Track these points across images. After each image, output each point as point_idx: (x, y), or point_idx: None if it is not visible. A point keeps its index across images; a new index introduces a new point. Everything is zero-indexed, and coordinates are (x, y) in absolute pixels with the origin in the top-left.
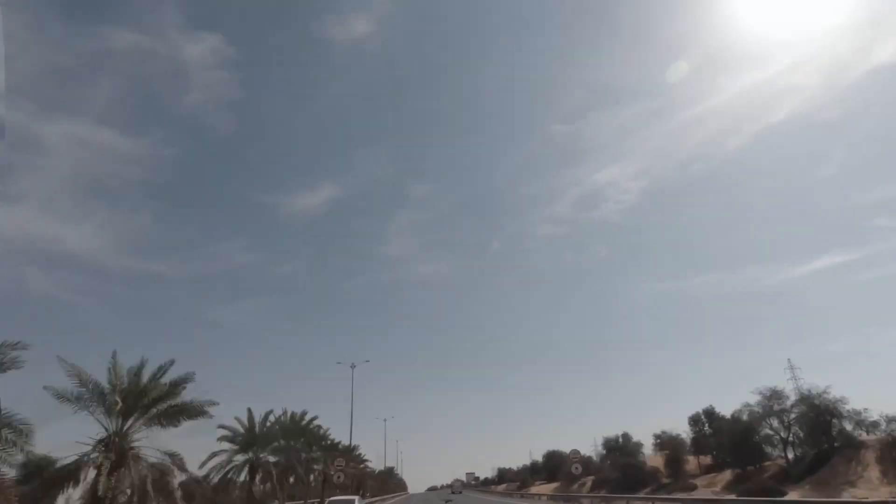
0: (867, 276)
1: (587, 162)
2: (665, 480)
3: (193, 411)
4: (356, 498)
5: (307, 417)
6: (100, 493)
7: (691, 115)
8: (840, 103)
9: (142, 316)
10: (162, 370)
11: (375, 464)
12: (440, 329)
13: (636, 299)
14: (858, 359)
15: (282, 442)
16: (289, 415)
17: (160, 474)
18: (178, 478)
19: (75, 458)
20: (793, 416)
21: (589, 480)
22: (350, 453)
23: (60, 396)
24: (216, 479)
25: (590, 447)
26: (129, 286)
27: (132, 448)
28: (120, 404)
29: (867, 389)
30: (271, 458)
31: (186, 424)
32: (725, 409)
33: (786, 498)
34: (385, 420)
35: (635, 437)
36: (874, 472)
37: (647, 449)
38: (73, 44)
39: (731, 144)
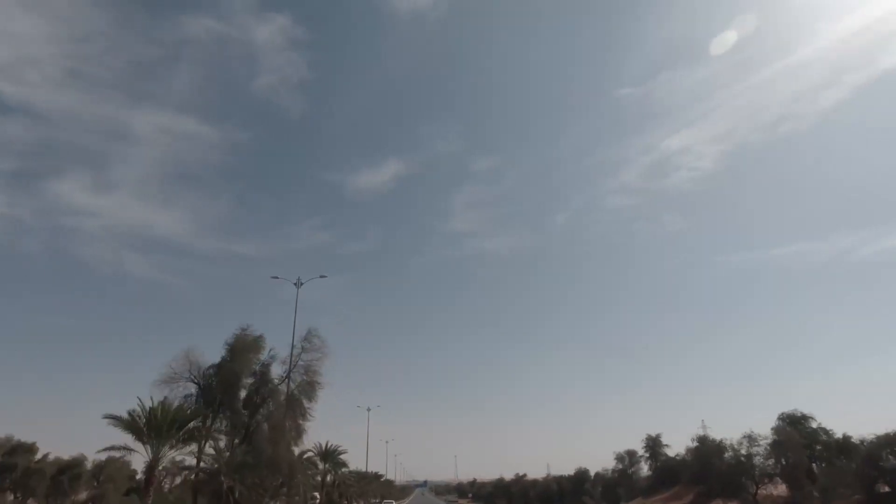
0: None
1: (658, 127)
2: None
3: None
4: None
5: None
6: None
7: (781, 69)
8: None
9: (227, 294)
10: None
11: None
12: (502, 306)
13: (713, 273)
14: None
15: None
16: None
17: None
18: None
19: None
20: None
21: None
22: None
23: None
24: None
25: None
26: (215, 266)
27: None
28: None
29: None
30: None
31: None
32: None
33: None
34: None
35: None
36: None
37: None
38: (156, 35)
39: (828, 99)
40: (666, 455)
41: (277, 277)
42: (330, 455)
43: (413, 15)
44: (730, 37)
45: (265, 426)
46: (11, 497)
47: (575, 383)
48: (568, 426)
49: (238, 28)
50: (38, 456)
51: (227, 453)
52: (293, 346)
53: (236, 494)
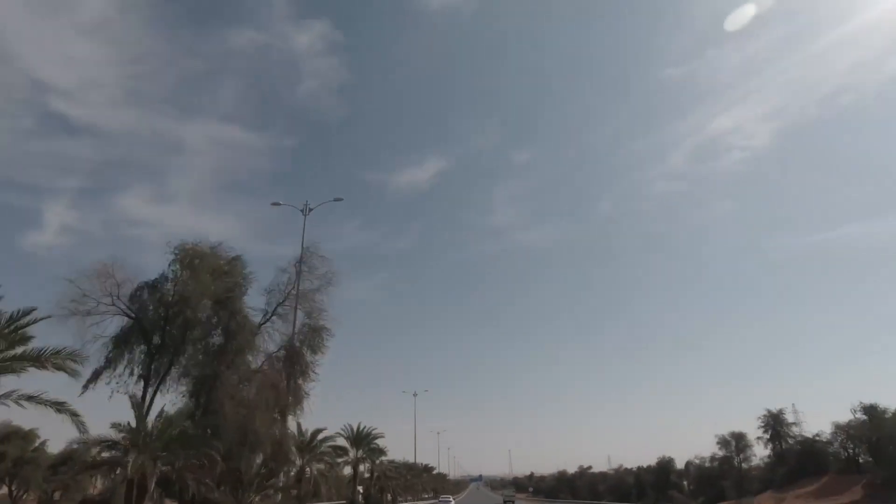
0: None
1: (706, 107)
2: None
3: None
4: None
5: None
6: None
7: (837, 38)
8: None
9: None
10: None
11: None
12: (548, 298)
13: (769, 256)
14: None
15: None
16: None
17: None
18: None
19: None
20: None
21: None
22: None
23: None
24: None
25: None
26: (265, 270)
27: None
28: None
29: None
30: None
31: None
32: None
33: None
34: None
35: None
36: None
37: None
38: (201, 49)
39: (891, 67)
40: (799, 435)
41: (278, 203)
42: (363, 439)
43: (446, 10)
44: (748, 10)
45: (233, 379)
46: (6, 489)
47: (633, 374)
48: (627, 419)
49: (278, 37)
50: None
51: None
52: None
53: (176, 486)
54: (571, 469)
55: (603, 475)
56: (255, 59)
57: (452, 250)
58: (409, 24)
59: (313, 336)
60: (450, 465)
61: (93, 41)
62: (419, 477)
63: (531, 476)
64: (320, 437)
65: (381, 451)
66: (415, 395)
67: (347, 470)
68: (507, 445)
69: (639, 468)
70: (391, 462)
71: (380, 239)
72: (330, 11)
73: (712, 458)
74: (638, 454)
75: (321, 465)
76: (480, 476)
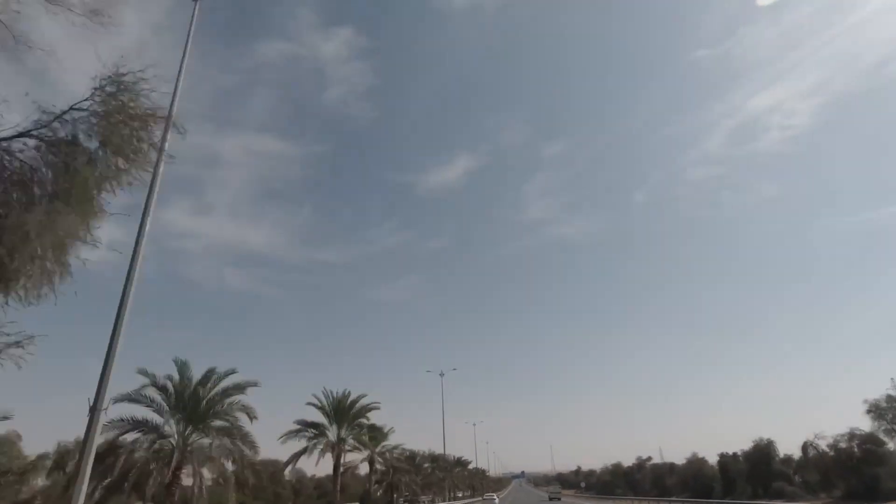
0: None
1: (741, 87)
2: None
3: None
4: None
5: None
6: None
7: (880, 4)
8: None
9: (316, 300)
10: None
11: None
12: (586, 292)
13: (817, 238)
14: None
15: None
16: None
17: None
18: None
19: None
20: None
21: None
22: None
23: None
24: None
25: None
26: (304, 274)
27: None
28: None
29: None
30: None
31: None
32: None
33: None
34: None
35: None
36: None
37: None
38: (232, 63)
39: None
40: None
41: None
42: (345, 411)
43: (469, 8)
44: None
45: None
46: None
47: (677, 364)
48: (674, 411)
49: (306, 46)
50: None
51: None
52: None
53: None
54: (627, 461)
55: (670, 466)
56: (284, 69)
57: (487, 247)
58: (433, 25)
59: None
60: (489, 460)
61: (132, 64)
62: (448, 472)
63: (578, 471)
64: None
65: (378, 430)
66: (441, 374)
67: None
68: (549, 441)
69: (723, 456)
70: (399, 449)
71: (415, 239)
72: (354, 18)
73: (851, 436)
74: (689, 446)
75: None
76: (523, 472)
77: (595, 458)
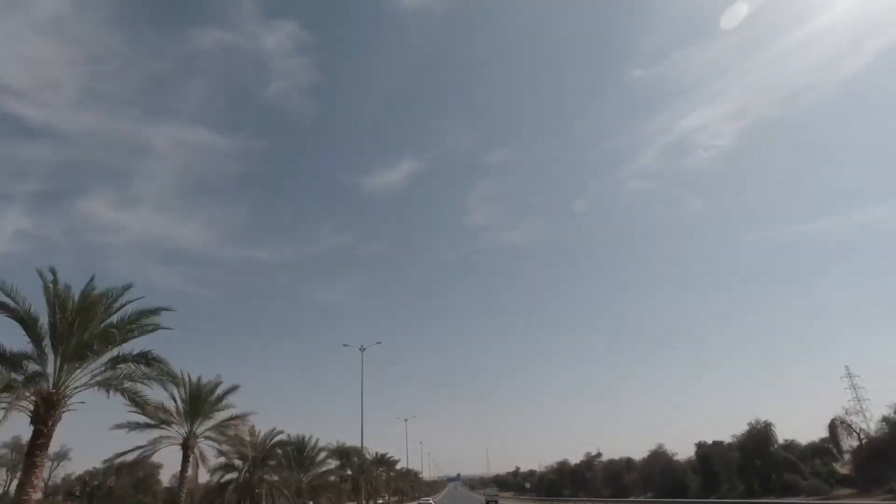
0: None
1: (673, 107)
2: None
3: None
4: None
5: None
6: None
7: (796, 40)
8: None
9: (251, 300)
10: None
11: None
12: (522, 297)
13: (738, 252)
14: None
15: None
16: None
17: None
18: None
19: None
20: None
21: None
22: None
23: None
24: None
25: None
26: (237, 274)
27: None
28: None
29: None
30: None
31: None
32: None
33: None
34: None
35: None
36: None
37: None
38: (167, 49)
39: (848, 67)
40: None
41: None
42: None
43: (418, 10)
44: (741, 9)
45: None
46: None
47: (611, 369)
48: (607, 414)
49: (246, 37)
50: None
51: None
52: None
53: None
54: (572, 460)
55: (626, 461)
56: (222, 59)
57: (429, 251)
58: (380, 24)
59: None
60: (423, 462)
61: (48, 40)
62: (367, 472)
63: (516, 472)
64: None
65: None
66: (362, 349)
67: None
68: (484, 445)
69: (702, 445)
70: (263, 436)
71: (354, 241)
72: (299, 11)
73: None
74: (623, 448)
75: None
76: (458, 475)
77: (532, 460)
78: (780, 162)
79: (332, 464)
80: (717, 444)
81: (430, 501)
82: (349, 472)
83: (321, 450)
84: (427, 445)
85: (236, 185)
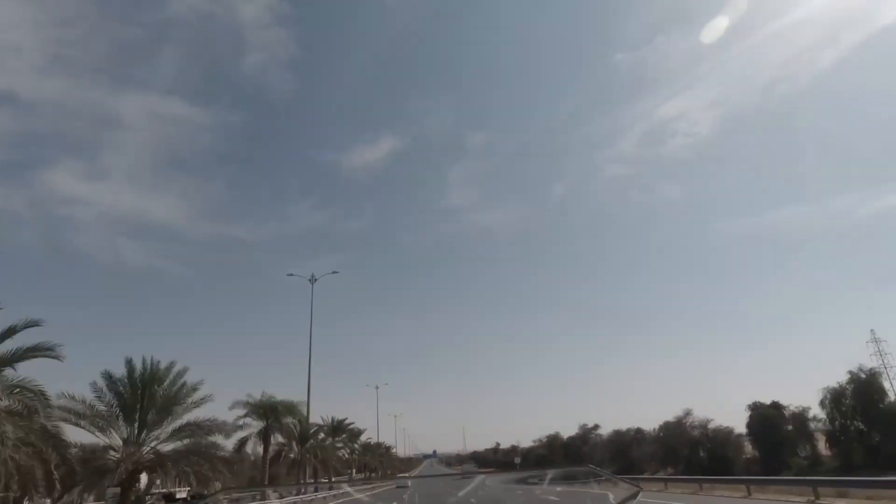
0: None
1: (654, 93)
2: None
3: None
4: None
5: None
6: None
7: (777, 29)
8: None
9: (227, 278)
10: None
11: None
12: (501, 278)
13: (709, 240)
14: None
15: None
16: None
17: None
18: None
19: None
20: None
21: None
22: None
23: None
24: None
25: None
26: (212, 251)
27: None
28: None
29: None
30: None
31: None
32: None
33: None
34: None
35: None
36: None
37: None
38: (138, 16)
39: (825, 59)
40: None
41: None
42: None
43: None
44: (721, 23)
45: None
46: None
47: (586, 349)
48: (586, 391)
49: (223, 5)
50: None
51: None
52: None
53: None
54: (569, 432)
55: (638, 434)
56: (197, 28)
57: (408, 231)
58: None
59: None
60: (396, 439)
61: (11, 0)
62: (324, 446)
63: (496, 448)
64: None
65: None
66: (312, 280)
67: None
68: (462, 423)
69: (757, 407)
70: None
71: (333, 220)
72: None
73: None
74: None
75: None
76: (434, 452)
77: (511, 437)
78: (756, 151)
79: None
80: (775, 405)
81: (408, 482)
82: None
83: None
84: (403, 423)
85: (212, 160)
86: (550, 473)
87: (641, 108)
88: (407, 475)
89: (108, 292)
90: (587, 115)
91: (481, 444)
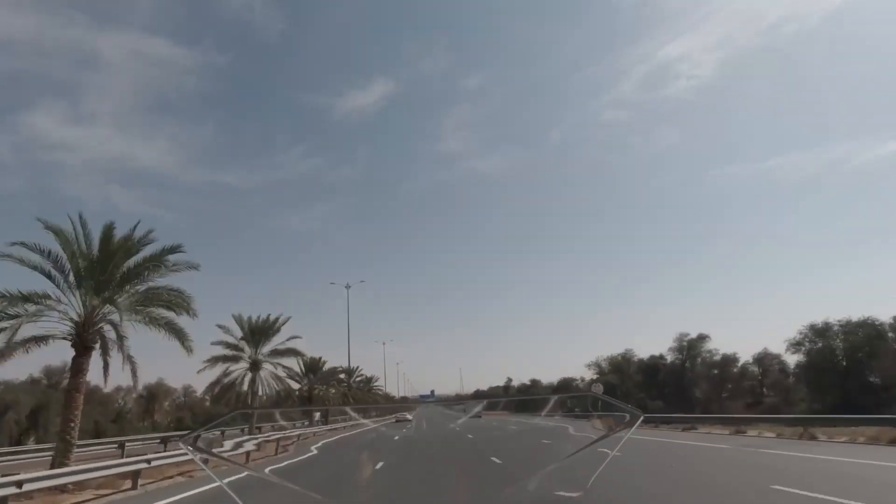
0: None
1: (655, 34)
2: None
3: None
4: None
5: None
6: None
7: None
8: None
9: (218, 225)
10: None
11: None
12: (496, 223)
13: (706, 187)
14: None
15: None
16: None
17: None
18: None
19: None
20: None
21: None
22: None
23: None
24: None
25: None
26: (203, 197)
27: None
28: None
29: None
30: None
31: None
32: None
33: None
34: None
35: None
36: None
37: None
38: None
39: None
40: None
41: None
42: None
43: None
44: None
45: None
46: None
47: (569, 293)
48: (583, 337)
49: None
50: None
51: None
52: None
53: None
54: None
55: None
56: None
57: (402, 177)
58: None
59: None
60: (399, 383)
61: None
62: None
63: (507, 386)
64: None
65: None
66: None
67: None
68: (457, 366)
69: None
70: None
71: (325, 166)
72: None
73: None
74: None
75: None
76: (433, 392)
77: (500, 380)
78: (759, 95)
79: None
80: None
81: (408, 415)
82: None
83: None
84: (405, 368)
85: (199, 103)
86: (551, 400)
87: (642, 50)
88: (407, 413)
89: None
90: (587, 58)
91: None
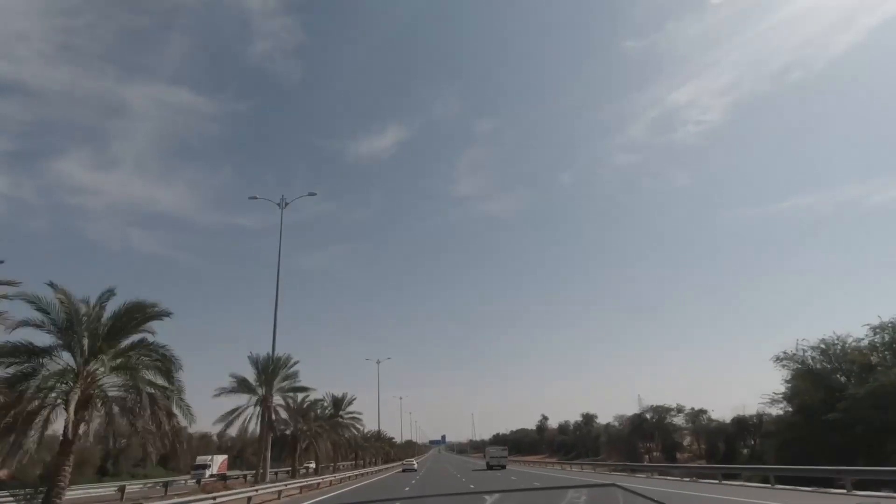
0: None
1: (664, 80)
2: None
3: None
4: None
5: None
6: None
7: (790, 14)
8: None
9: (234, 267)
10: None
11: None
12: (510, 268)
13: (719, 228)
14: None
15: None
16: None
17: None
18: None
19: None
20: None
21: None
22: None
23: None
24: None
25: None
26: (220, 240)
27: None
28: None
29: None
30: None
31: None
32: None
33: None
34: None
35: None
36: None
37: None
38: (144, 4)
39: (839, 44)
40: None
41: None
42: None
43: None
44: None
45: None
46: None
47: (592, 337)
48: (595, 381)
49: None
50: None
51: None
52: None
53: None
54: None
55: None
56: (203, 16)
57: (415, 220)
58: None
59: None
60: (413, 432)
61: None
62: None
63: (542, 426)
64: None
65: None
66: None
67: None
68: (470, 411)
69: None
70: None
71: (341, 208)
72: None
73: None
74: (610, 411)
75: None
76: (443, 437)
77: (517, 424)
78: (766, 138)
79: None
80: None
81: (414, 464)
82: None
83: None
84: (409, 411)
85: (219, 148)
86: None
87: (651, 95)
88: (412, 461)
89: (118, 281)
90: (597, 101)
91: (488, 432)
